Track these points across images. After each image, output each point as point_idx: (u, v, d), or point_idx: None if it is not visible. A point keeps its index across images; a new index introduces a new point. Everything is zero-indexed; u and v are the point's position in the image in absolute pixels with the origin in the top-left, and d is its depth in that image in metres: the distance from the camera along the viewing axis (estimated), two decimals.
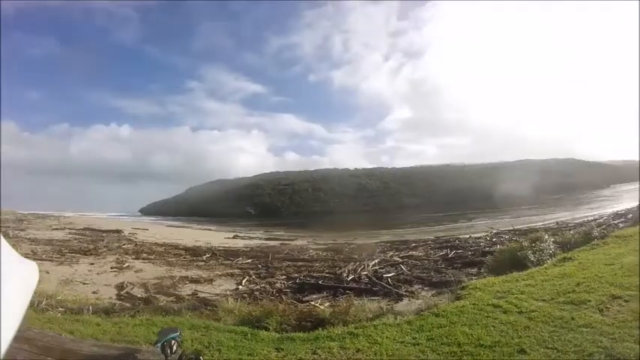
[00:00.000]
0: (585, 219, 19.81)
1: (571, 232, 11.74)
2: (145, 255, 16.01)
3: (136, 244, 19.51)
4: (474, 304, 5.26)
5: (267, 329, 5.08)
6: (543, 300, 5.18)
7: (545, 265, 7.05)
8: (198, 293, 9.52)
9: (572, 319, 4.45)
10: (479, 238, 17.80)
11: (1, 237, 0.54)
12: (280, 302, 6.98)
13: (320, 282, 10.25)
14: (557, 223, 19.69)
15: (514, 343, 4.00)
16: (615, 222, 14.31)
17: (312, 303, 7.83)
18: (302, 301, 8.05)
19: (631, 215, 15.13)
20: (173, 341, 1.43)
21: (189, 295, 9.27)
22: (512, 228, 18.47)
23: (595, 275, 6.01)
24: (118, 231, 25.41)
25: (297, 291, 9.64)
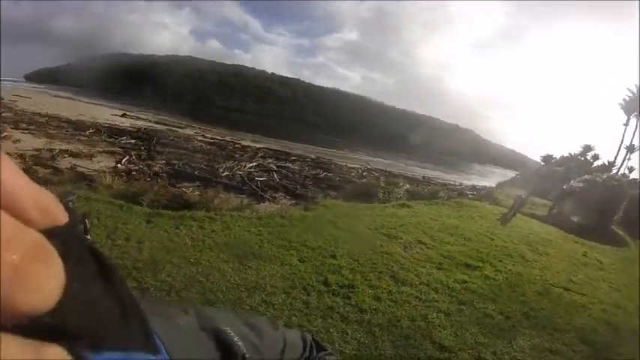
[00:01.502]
0: (448, 181, 22.90)
1: (427, 187, 13.74)
2: (24, 125, 14.26)
3: (16, 113, 17.09)
4: (314, 217, 6.23)
5: (140, 205, 5.61)
6: (369, 228, 6.32)
7: (386, 204, 8.40)
8: (77, 167, 9.08)
9: (381, 245, 5.61)
10: (352, 168, 19.69)
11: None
12: (155, 184, 7.35)
13: (196, 172, 10.47)
14: (423, 177, 22.35)
15: (330, 250, 5.02)
16: (467, 192, 16.90)
17: (184, 189, 8.09)
18: (175, 186, 8.25)
19: (483, 192, 17.83)
20: (69, 202, 1.51)
21: (67, 168, 8.83)
22: (384, 169, 20.73)
23: (417, 223, 7.45)
24: None
25: (172, 177, 9.71)
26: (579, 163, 32.60)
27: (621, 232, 13.69)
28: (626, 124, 34.81)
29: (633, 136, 34.53)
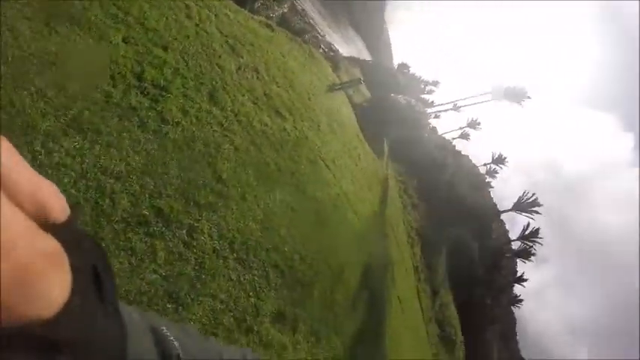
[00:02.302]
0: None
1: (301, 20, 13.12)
2: None
3: None
4: None
5: None
6: (220, 31, 5.88)
7: (254, 16, 7.90)
8: None
9: (219, 56, 5.46)
10: None
11: None
12: None
13: None
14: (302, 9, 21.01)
15: (166, 38, 4.55)
16: (323, 47, 16.94)
17: None
18: None
19: (332, 55, 18.25)
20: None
21: None
22: None
23: (266, 50, 7.26)
24: None
25: None
26: (419, 86, 36.42)
27: (385, 146, 17.87)
28: (480, 95, 39.32)
29: (468, 105, 40.27)
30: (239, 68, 5.80)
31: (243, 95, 5.37)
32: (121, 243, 2.50)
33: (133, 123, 3.13)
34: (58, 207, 0.20)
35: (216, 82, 4.91)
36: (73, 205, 0.21)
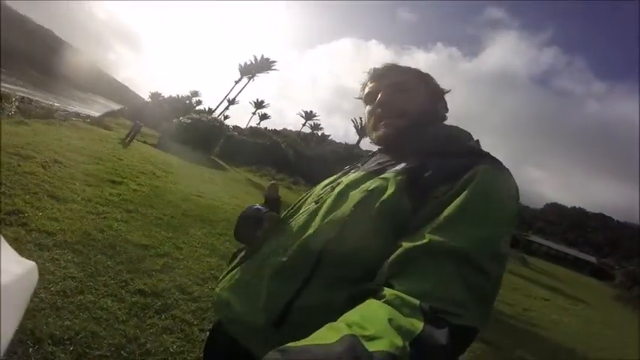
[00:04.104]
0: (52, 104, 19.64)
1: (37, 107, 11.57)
2: None
3: None
4: None
5: None
6: None
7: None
8: None
9: (18, 165, 4.74)
10: None
11: (1, 238, 0.51)
12: None
13: None
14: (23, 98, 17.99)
15: None
16: (72, 117, 15.38)
17: None
18: None
19: (94, 119, 16.73)
20: None
21: None
22: None
23: (43, 142, 6.52)
24: None
25: None
26: (184, 104, 37.28)
27: (219, 160, 18.05)
28: (237, 81, 42.21)
29: (239, 93, 42.78)
30: (44, 167, 5.12)
31: (74, 184, 4.82)
32: None
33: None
34: None
35: (43, 185, 4.38)
36: None
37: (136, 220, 4.39)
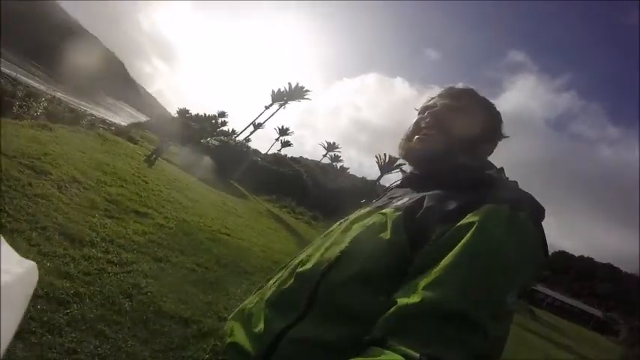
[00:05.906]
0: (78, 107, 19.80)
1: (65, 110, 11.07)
2: None
3: None
4: None
5: None
6: (5, 154, 4.20)
7: (22, 122, 5.95)
8: None
9: (29, 184, 3.85)
10: None
11: (1, 237, 0.48)
12: None
13: None
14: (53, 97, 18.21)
15: None
16: (99, 125, 14.99)
17: None
18: None
19: (120, 129, 16.62)
20: None
21: None
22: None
23: (64, 154, 5.74)
24: None
25: None
26: (211, 123, 37.11)
27: (239, 186, 17.09)
28: (268, 107, 42.40)
29: (268, 119, 42.78)
30: (60, 188, 4.30)
31: (93, 216, 4.03)
32: None
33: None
34: None
35: (56, 217, 3.48)
36: None
37: (168, 275, 3.45)
